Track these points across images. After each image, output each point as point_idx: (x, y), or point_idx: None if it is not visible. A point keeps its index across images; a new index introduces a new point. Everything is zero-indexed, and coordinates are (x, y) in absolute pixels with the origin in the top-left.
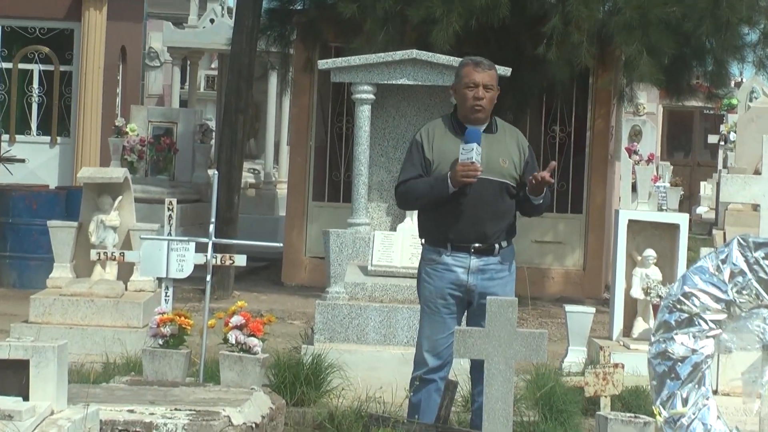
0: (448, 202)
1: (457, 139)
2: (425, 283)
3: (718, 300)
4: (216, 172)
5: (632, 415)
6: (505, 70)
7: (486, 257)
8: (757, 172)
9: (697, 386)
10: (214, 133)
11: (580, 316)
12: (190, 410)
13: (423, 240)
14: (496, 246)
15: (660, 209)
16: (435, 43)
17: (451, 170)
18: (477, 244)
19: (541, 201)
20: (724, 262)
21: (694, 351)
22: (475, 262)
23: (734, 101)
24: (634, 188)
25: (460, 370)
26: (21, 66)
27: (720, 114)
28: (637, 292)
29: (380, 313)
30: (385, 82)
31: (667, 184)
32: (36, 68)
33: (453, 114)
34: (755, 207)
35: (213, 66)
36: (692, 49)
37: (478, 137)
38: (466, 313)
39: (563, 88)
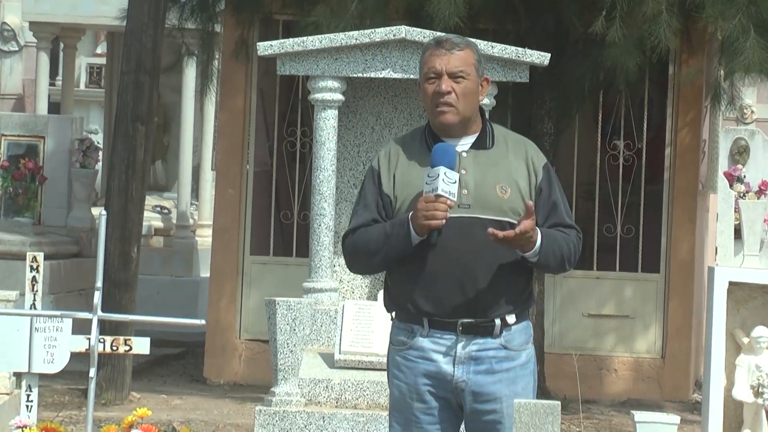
0: (421, 258)
1: (429, 162)
2: (394, 380)
3: None
4: (104, 211)
5: None
6: (541, 57)
7: (481, 339)
8: None
9: None
10: (101, 153)
11: (657, 428)
12: None
13: (392, 314)
14: (497, 322)
15: None
16: (436, 15)
17: (413, 209)
18: (465, 320)
19: (538, 258)
20: None
21: None
22: (464, 346)
23: None
24: (738, 234)
25: None
26: None
27: None
28: (743, 392)
29: (353, 424)
30: (360, 74)
31: None
32: None
33: (427, 125)
34: None
35: (99, 51)
36: None
37: (450, 157)
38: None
39: (630, 84)
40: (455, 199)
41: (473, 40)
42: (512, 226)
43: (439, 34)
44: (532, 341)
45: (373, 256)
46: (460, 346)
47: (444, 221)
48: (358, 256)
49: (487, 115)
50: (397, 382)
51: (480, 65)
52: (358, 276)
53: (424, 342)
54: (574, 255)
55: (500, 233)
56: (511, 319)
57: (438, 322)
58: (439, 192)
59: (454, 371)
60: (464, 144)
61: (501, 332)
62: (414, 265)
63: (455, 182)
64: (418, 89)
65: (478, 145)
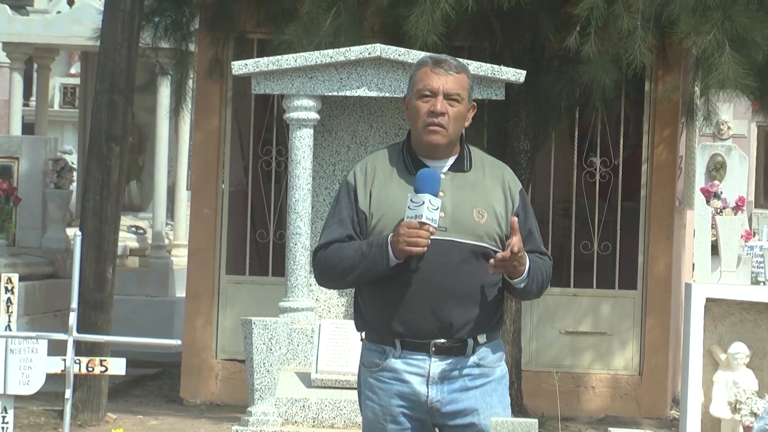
0: (394, 280)
1: (408, 181)
2: (367, 402)
3: None
4: (79, 232)
5: None
6: (517, 74)
7: (454, 359)
8: None
9: None
10: (75, 173)
11: None
12: None
13: (361, 334)
14: (470, 342)
15: (755, 282)
16: (413, 32)
17: (393, 233)
18: (439, 340)
19: (525, 284)
20: None
21: None
22: (437, 366)
23: None
24: (715, 250)
25: None
26: None
27: None
28: (721, 409)
29: None
30: (335, 93)
31: (766, 244)
32: None
33: (406, 142)
34: None
35: (73, 71)
36: None
37: (435, 183)
38: None
39: (606, 101)
40: (437, 225)
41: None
42: (488, 251)
43: (427, 53)
44: (503, 358)
45: (346, 274)
46: (433, 366)
47: (425, 249)
48: (330, 272)
49: (464, 137)
50: (371, 404)
51: (472, 91)
52: (335, 295)
53: (396, 363)
54: (548, 282)
55: (498, 255)
56: (482, 338)
57: (410, 344)
58: (424, 219)
59: (428, 392)
60: (442, 166)
61: (474, 351)
62: (386, 286)
63: (438, 209)
64: (405, 105)
65: (456, 167)
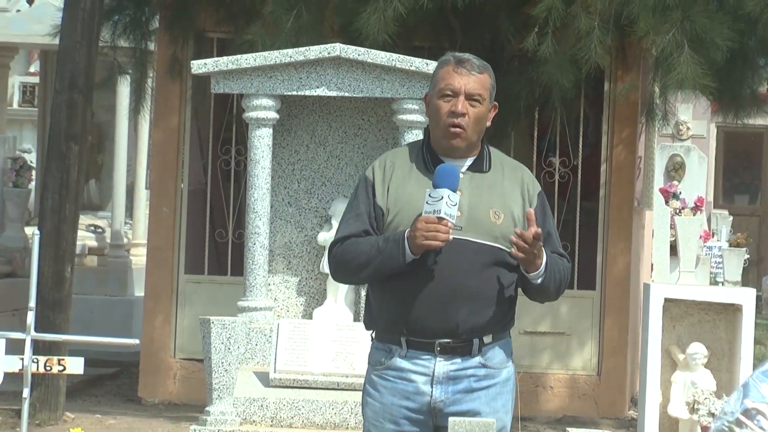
0: (406, 276)
1: (427, 179)
2: (368, 398)
3: None
4: (38, 231)
5: None
6: None
7: (460, 359)
8: None
9: None
10: (34, 172)
11: None
12: None
13: (372, 333)
14: (475, 342)
15: (714, 282)
16: (364, 30)
17: (410, 228)
18: (444, 340)
19: (542, 279)
20: None
21: None
22: (442, 366)
23: None
24: (673, 250)
25: None
26: None
27: None
28: (678, 409)
29: None
30: (295, 92)
31: (725, 244)
32: None
33: (426, 141)
34: None
35: (32, 70)
36: (759, 40)
37: (454, 179)
38: None
39: (565, 101)
40: (455, 222)
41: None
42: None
43: (456, 53)
44: (512, 358)
45: (361, 269)
46: (438, 365)
47: (444, 244)
48: (346, 266)
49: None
50: (372, 401)
51: (493, 91)
52: (294, 295)
53: (402, 362)
54: (566, 283)
55: (518, 230)
56: (488, 338)
57: (416, 343)
58: (442, 215)
59: (432, 391)
60: (462, 165)
61: (479, 351)
62: (398, 282)
63: (456, 205)
64: (426, 103)
65: (475, 167)
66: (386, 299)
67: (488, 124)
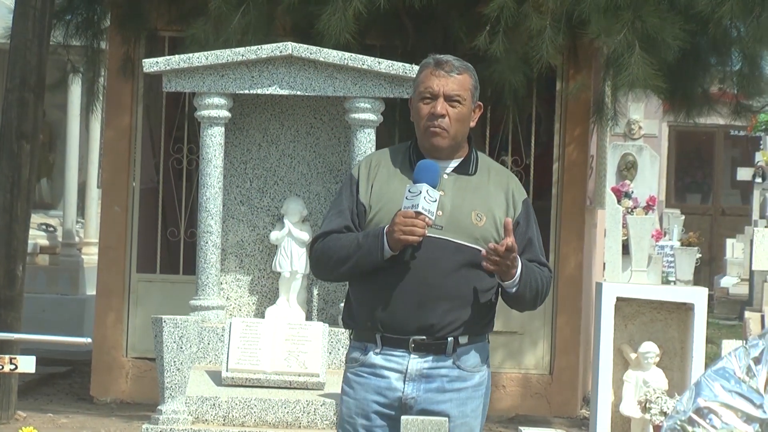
0: (384, 273)
1: (410, 178)
2: (344, 396)
3: (749, 419)
4: None
5: None
6: None
7: (433, 357)
8: None
9: None
10: None
11: None
12: None
13: (350, 334)
14: (449, 341)
15: (665, 281)
16: (325, 31)
17: (390, 223)
18: (417, 337)
19: (517, 289)
20: (758, 361)
21: None
22: (416, 363)
23: None
24: (625, 249)
25: None
26: None
27: (754, 136)
28: (630, 408)
29: None
30: (246, 91)
31: (677, 243)
32: None
33: (413, 141)
34: None
35: None
36: (710, 40)
37: (433, 175)
38: None
39: (516, 99)
40: (433, 218)
41: (469, 64)
42: (479, 254)
43: (438, 54)
44: (488, 363)
45: (341, 265)
46: (411, 362)
47: (420, 239)
48: (326, 261)
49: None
50: (346, 399)
51: (476, 91)
52: (246, 293)
53: (376, 359)
54: (545, 293)
55: (491, 245)
56: (463, 339)
57: (390, 339)
58: (420, 209)
59: (404, 388)
60: (447, 167)
61: (453, 350)
62: (376, 278)
63: (435, 201)
64: (410, 105)
65: (461, 169)
66: (364, 296)
67: (472, 124)
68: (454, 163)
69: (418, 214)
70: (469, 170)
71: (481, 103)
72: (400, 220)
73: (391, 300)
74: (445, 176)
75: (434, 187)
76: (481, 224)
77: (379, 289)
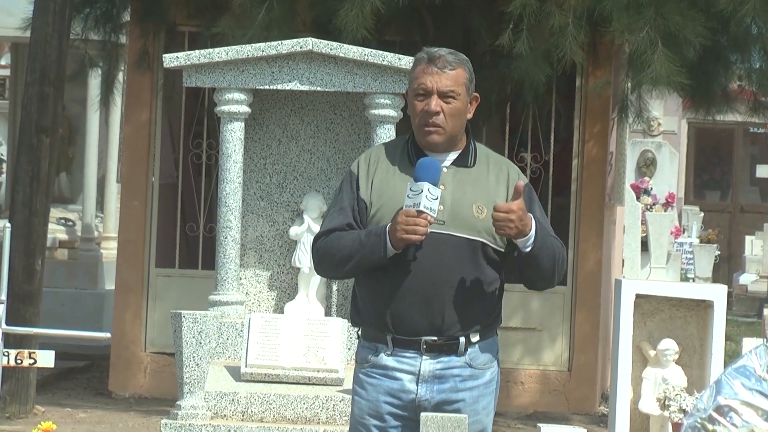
0: (388, 271)
1: (410, 173)
2: (355, 397)
3: None
4: (8, 224)
5: None
6: None
7: (445, 357)
8: None
9: None
10: (4, 165)
11: None
12: None
13: (358, 331)
14: (461, 340)
15: (684, 278)
16: (343, 26)
17: (391, 222)
18: (429, 338)
19: (532, 248)
20: None
21: None
22: (428, 364)
23: None
24: (644, 246)
25: None
26: None
27: None
28: (649, 405)
29: None
30: (267, 86)
31: (696, 240)
32: None
33: (411, 137)
34: None
35: (3, 62)
36: (731, 38)
37: (434, 172)
38: None
39: (537, 96)
40: (436, 215)
41: (464, 56)
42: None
43: (432, 48)
44: (497, 359)
45: (344, 264)
46: (424, 364)
47: (423, 237)
48: (329, 260)
49: (470, 133)
50: (358, 399)
51: (471, 84)
52: (265, 289)
53: (388, 360)
54: (561, 262)
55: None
56: (474, 337)
57: (401, 341)
58: (422, 208)
59: (417, 389)
60: (445, 160)
61: (465, 350)
62: (381, 277)
63: (437, 199)
64: (406, 98)
65: (460, 162)
66: (371, 296)
67: (469, 116)
68: (453, 156)
69: (420, 212)
70: (468, 162)
71: (477, 95)
72: (402, 219)
73: (398, 300)
74: (445, 169)
75: (435, 185)
76: (482, 216)
77: (385, 288)
